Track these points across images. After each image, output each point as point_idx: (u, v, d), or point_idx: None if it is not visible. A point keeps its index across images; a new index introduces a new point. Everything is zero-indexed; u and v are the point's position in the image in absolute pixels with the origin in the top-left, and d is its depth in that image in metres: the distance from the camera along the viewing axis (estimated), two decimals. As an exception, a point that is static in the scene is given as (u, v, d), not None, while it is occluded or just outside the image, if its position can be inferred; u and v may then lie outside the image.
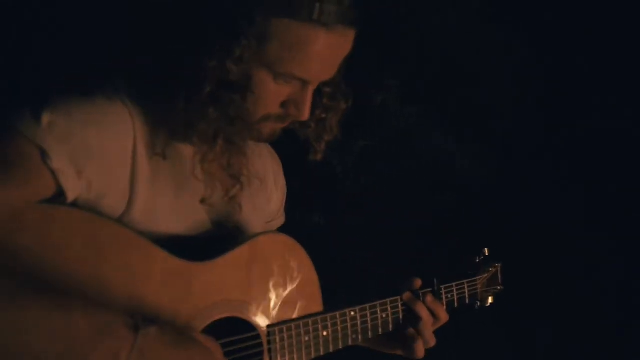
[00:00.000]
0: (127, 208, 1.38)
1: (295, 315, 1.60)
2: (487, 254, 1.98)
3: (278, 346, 1.54)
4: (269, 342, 1.53)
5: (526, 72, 3.08)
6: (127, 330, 1.21)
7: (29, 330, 1.15)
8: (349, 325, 1.66)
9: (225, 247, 1.50)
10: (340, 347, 1.66)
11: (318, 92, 1.47)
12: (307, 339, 1.59)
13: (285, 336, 1.56)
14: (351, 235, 3.01)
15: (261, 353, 1.52)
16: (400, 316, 1.75)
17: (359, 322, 1.68)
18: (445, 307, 1.80)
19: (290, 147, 1.61)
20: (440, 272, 1.83)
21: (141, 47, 1.45)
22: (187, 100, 1.36)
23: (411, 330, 1.75)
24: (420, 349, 1.74)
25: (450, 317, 1.79)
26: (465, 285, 1.90)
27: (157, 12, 1.41)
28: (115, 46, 1.79)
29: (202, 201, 1.48)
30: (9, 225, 1.21)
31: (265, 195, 1.72)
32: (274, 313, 1.56)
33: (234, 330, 1.48)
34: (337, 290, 1.71)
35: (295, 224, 1.82)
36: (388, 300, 1.73)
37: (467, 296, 1.90)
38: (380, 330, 1.72)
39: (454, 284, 1.87)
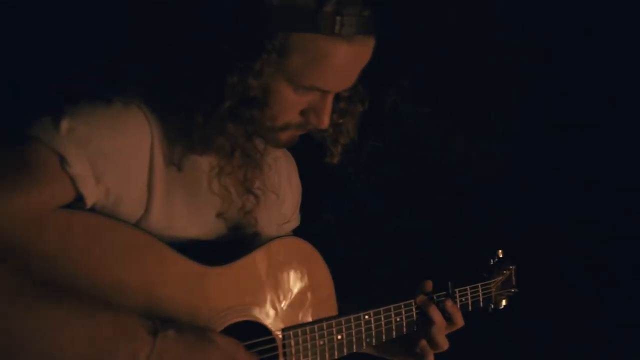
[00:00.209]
0: (144, 213, 1.38)
1: (310, 319, 1.59)
2: (501, 256, 1.96)
3: (293, 350, 1.54)
4: (284, 346, 1.53)
5: (535, 73, 3.08)
6: (146, 334, 1.24)
7: (52, 334, 1.17)
8: (363, 329, 1.65)
9: (241, 251, 1.50)
10: (354, 351, 1.65)
11: (335, 96, 1.46)
12: (321, 342, 1.59)
13: (300, 340, 1.56)
14: (362, 236, 3.01)
15: (276, 357, 1.52)
16: (414, 319, 1.74)
17: (373, 326, 1.67)
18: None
19: (301, 147, 1.60)
20: (454, 275, 1.82)
21: (161, 59, 1.44)
22: (206, 115, 1.35)
23: (423, 334, 1.74)
24: (430, 354, 1.74)
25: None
26: (480, 289, 1.89)
27: (178, 25, 1.40)
28: (133, 54, 1.78)
29: (219, 215, 1.48)
30: (29, 230, 1.22)
31: (280, 204, 1.72)
32: (289, 317, 1.55)
33: (249, 334, 1.48)
34: (348, 290, 1.70)
35: (306, 224, 1.81)
36: (402, 303, 1.72)
37: (481, 299, 1.89)
38: (394, 333, 1.71)
39: (468, 287, 1.86)
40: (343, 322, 1.62)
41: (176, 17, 1.41)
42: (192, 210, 1.46)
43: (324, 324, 1.59)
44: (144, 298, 1.33)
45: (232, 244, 1.53)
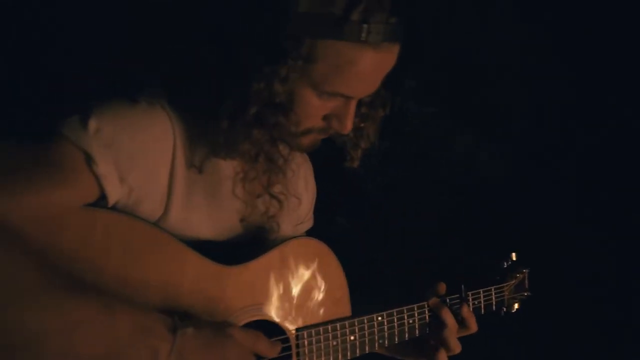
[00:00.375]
0: (162, 214, 1.39)
1: (323, 320, 1.60)
2: (514, 259, 1.95)
3: (306, 349, 1.55)
4: (297, 346, 1.54)
5: (536, 73, 3.09)
6: (166, 331, 1.26)
7: (73, 330, 1.18)
8: (375, 330, 1.66)
9: (256, 251, 1.51)
10: (367, 352, 1.66)
11: (357, 101, 1.46)
12: (334, 343, 1.59)
13: (314, 340, 1.56)
14: (375, 238, 3.01)
15: (290, 356, 1.53)
16: (427, 322, 1.75)
17: (385, 328, 1.68)
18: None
19: (317, 150, 1.59)
20: (467, 278, 1.81)
21: (187, 61, 1.43)
22: (232, 120, 1.35)
23: (435, 337, 1.74)
24: (443, 356, 1.74)
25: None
26: (493, 292, 1.89)
27: (207, 29, 1.39)
28: (159, 55, 1.77)
29: (242, 220, 1.50)
30: (52, 227, 1.23)
31: (299, 207, 1.72)
32: (302, 317, 1.56)
33: (263, 332, 1.47)
34: (361, 291, 1.70)
35: (319, 227, 1.81)
36: (415, 305, 1.73)
37: (493, 303, 1.90)
38: (406, 335, 1.72)
39: (481, 290, 1.86)
40: (356, 323, 1.63)
41: (205, 21, 1.40)
42: (212, 212, 1.46)
43: (337, 325, 1.60)
44: (162, 296, 1.35)
45: (247, 244, 1.53)
